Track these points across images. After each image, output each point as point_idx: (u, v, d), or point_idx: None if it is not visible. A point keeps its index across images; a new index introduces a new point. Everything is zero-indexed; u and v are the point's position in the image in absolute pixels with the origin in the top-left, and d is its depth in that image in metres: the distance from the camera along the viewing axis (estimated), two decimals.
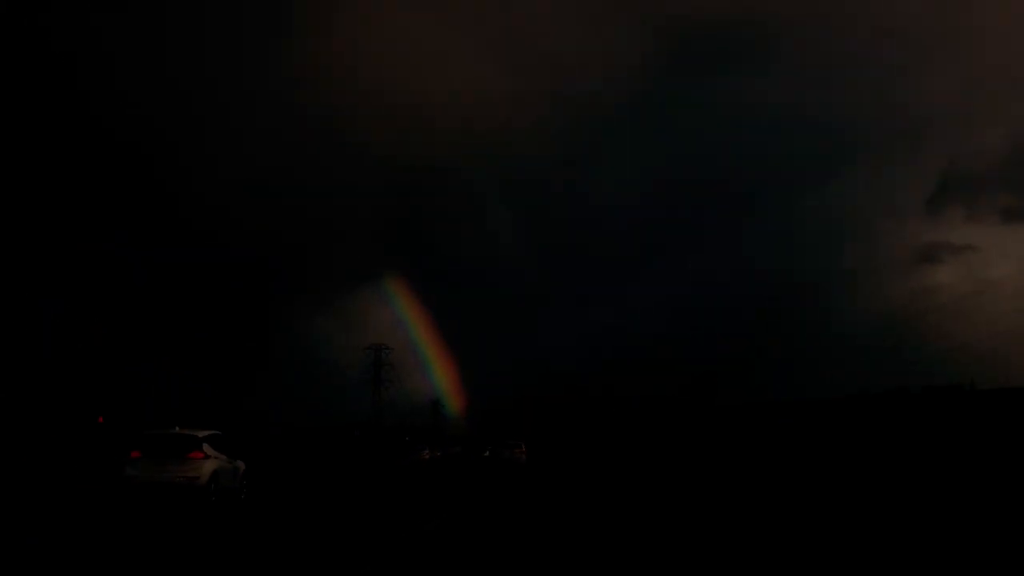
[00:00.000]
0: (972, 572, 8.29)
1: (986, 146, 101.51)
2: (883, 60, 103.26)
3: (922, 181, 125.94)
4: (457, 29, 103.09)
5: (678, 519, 13.45)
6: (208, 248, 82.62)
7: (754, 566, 8.73)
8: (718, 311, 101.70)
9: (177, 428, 15.82)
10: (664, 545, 10.32)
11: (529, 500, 18.09)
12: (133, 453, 14.94)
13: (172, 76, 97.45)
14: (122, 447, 16.29)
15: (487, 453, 60.63)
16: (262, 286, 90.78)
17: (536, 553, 9.76)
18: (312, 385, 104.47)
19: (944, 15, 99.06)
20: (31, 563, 8.59)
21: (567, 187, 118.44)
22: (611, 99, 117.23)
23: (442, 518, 13.56)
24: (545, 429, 78.79)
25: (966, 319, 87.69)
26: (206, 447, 15.34)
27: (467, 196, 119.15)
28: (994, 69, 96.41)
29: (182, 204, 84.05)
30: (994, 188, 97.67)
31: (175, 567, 8.57)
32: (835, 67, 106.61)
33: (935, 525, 12.10)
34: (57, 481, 20.56)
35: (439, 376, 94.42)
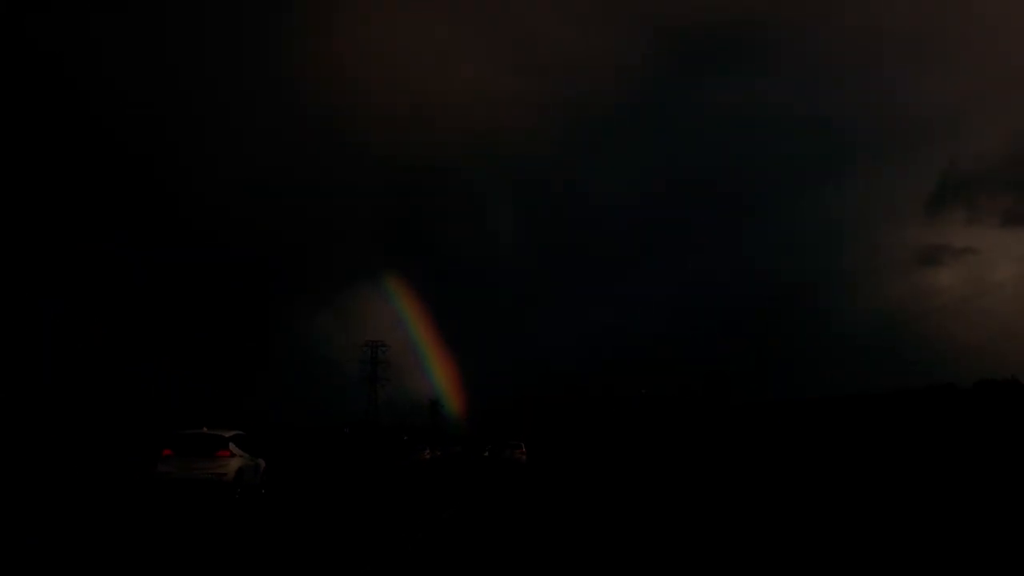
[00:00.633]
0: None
1: (986, 148, 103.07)
2: (884, 62, 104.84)
3: (922, 183, 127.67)
4: (458, 29, 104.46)
5: (681, 522, 13.58)
6: (207, 248, 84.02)
7: (753, 565, 9.01)
8: (717, 311, 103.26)
9: (204, 428, 17.24)
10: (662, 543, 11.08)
11: (531, 494, 19.50)
12: (165, 451, 16.36)
13: (172, 76, 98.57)
14: (153, 445, 17.68)
15: (486, 453, 61.89)
16: (262, 286, 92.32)
17: (541, 533, 11.19)
18: (312, 384, 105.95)
19: (945, 17, 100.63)
20: (79, 553, 9.96)
21: (567, 187, 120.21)
22: (611, 100, 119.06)
23: (455, 508, 15.00)
24: (545, 429, 79.91)
25: (966, 321, 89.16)
26: (232, 446, 16.78)
27: (467, 196, 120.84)
28: (994, 71, 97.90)
29: (182, 204, 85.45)
30: (994, 190, 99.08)
31: (214, 555, 9.96)
32: (835, 69, 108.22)
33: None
34: (93, 478, 21.90)
35: (438, 376, 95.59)
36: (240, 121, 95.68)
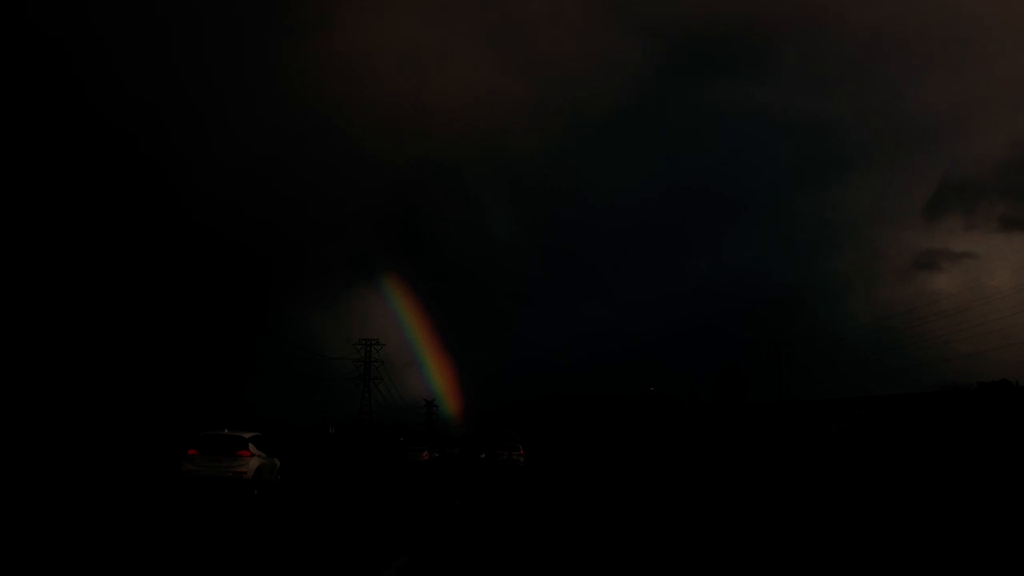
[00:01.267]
0: None
1: (985, 153, 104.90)
2: (883, 67, 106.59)
3: (921, 188, 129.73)
4: (457, 29, 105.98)
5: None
6: (206, 247, 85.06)
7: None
8: (715, 313, 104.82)
9: (226, 430, 18.86)
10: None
11: (532, 490, 21.14)
12: (191, 451, 17.97)
13: (171, 71, 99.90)
14: (166, 444, 19.29)
15: (483, 455, 63.25)
16: (260, 285, 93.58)
17: (541, 518, 12.83)
18: (307, 383, 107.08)
19: (944, 23, 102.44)
20: (119, 542, 11.56)
21: (566, 188, 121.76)
22: (610, 101, 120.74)
23: (463, 500, 16.62)
24: (544, 431, 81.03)
25: (964, 325, 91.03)
26: (251, 446, 18.41)
27: (465, 196, 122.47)
28: (994, 77, 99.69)
29: (177, 201, 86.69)
30: (993, 195, 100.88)
31: (247, 542, 11.56)
32: (835, 73, 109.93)
33: None
34: (124, 475, 23.44)
35: (435, 376, 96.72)
36: (238, 118, 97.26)
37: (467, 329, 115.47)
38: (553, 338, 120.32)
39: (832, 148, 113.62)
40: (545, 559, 9.62)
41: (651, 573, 8.80)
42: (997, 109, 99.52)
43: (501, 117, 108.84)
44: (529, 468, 39.76)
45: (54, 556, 9.01)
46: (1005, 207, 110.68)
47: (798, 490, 22.00)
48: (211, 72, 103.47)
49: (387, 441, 76.73)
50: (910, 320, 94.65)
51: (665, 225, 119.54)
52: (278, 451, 20.53)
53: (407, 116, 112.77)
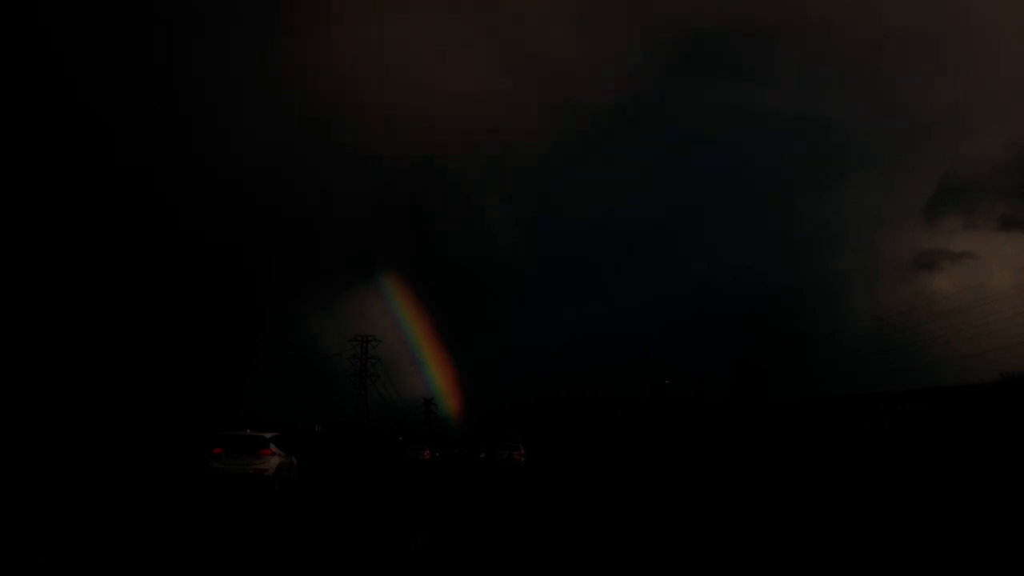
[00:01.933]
0: None
1: (985, 154, 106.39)
2: (883, 66, 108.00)
3: (921, 187, 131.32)
4: (456, 29, 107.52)
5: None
6: (202, 247, 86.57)
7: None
8: (713, 313, 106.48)
9: (248, 431, 20.55)
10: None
11: (533, 489, 22.83)
12: (216, 450, 19.67)
13: (163, 71, 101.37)
14: (204, 444, 20.98)
15: (483, 455, 64.65)
16: (257, 284, 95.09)
17: (545, 513, 14.51)
18: (307, 383, 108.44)
19: (944, 22, 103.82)
20: (157, 534, 13.22)
21: (566, 188, 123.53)
22: (608, 101, 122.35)
23: (470, 497, 18.31)
24: (545, 431, 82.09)
25: (963, 326, 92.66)
26: (272, 446, 20.10)
27: (464, 195, 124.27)
28: (993, 77, 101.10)
29: (173, 200, 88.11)
30: (993, 195, 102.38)
31: (273, 533, 13.23)
32: (834, 73, 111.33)
33: None
34: (153, 473, 25.09)
35: (434, 376, 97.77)
36: (233, 117, 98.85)
37: (467, 329, 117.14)
38: (553, 338, 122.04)
39: (831, 148, 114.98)
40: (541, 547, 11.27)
41: None
42: (997, 109, 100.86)
43: (501, 116, 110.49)
44: (530, 468, 40.57)
45: (107, 544, 10.68)
46: (1005, 207, 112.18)
47: (846, 502, 19.46)
48: (209, 71, 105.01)
49: (386, 440, 77.85)
50: (909, 320, 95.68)
51: (664, 225, 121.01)
52: (295, 450, 22.23)
53: (406, 115, 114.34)
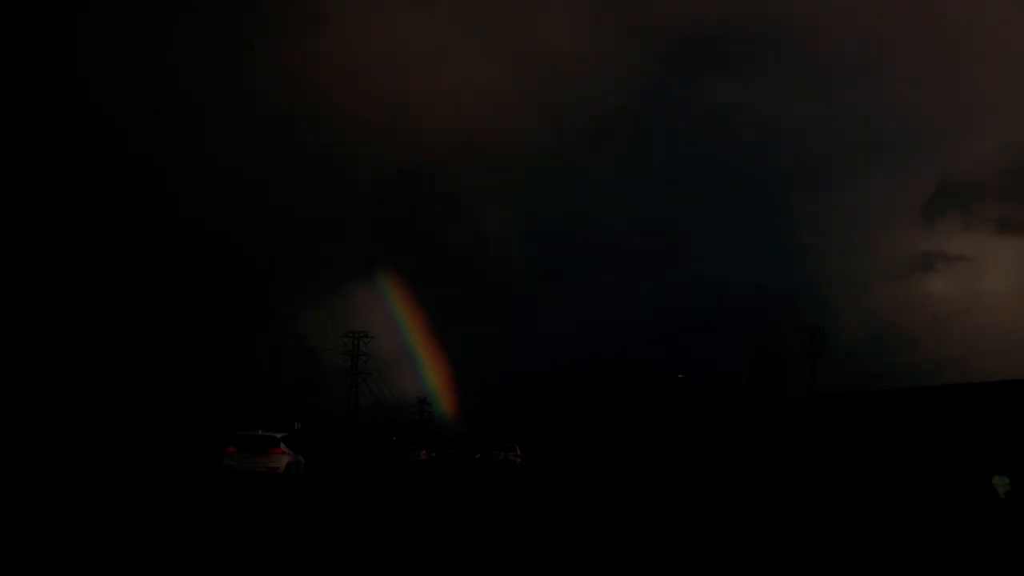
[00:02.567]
0: None
1: (982, 156, 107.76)
2: (881, 68, 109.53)
3: (918, 190, 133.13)
4: (454, 29, 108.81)
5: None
6: (201, 244, 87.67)
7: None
8: (708, 315, 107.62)
9: (260, 431, 21.91)
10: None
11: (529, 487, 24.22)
12: (230, 448, 21.02)
13: (165, 69, 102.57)
14: (218, 443, 22.32)
15: (478, 455, 65.82)
16: (254, 283, 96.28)
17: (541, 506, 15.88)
18: (299, 381, 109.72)
19: (942, 25, 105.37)
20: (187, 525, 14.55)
21: (564, 188, 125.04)
22: (607, 101, 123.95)
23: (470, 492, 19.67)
24: (541, 431, 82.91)
25: (959, 329, 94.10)
26: (282, 445, 21.46)
27: (462, 195, 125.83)
28: (992, 80, 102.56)
29: (170, 199, 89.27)
30: (990, 199, 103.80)
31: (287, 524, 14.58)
32: (832, 75, 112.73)
33: None
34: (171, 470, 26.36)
35: (430, 375, 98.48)
36: (231, 116, 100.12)
37: (464, 328, 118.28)
38: (552, 338, 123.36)
39: (829, 150, 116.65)
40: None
41: None
42: (995, 112, 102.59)
43: (498, 116, 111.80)
44: (526, 469, 41.08)
45: (144, 531, 12.03)
46: (1002, 210, 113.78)
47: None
48: (206, 70, 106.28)
49: (380, 439, 78.61)
50: (905, 322, 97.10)
51: (661, 225, 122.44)
52: (303, 450, 23.60)
53: (404, 115, 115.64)
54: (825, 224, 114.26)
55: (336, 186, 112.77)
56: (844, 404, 37.57)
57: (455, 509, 17.16)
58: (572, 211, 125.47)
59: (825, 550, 12.32)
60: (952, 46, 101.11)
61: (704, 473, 31.69)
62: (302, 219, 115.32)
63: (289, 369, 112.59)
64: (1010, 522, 16.54)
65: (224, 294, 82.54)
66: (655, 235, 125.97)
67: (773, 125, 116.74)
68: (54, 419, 40.56)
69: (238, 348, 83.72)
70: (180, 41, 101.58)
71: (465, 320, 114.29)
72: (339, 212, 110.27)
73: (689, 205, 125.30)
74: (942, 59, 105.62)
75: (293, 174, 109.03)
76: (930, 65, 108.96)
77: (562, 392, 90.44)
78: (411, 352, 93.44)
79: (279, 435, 21.83)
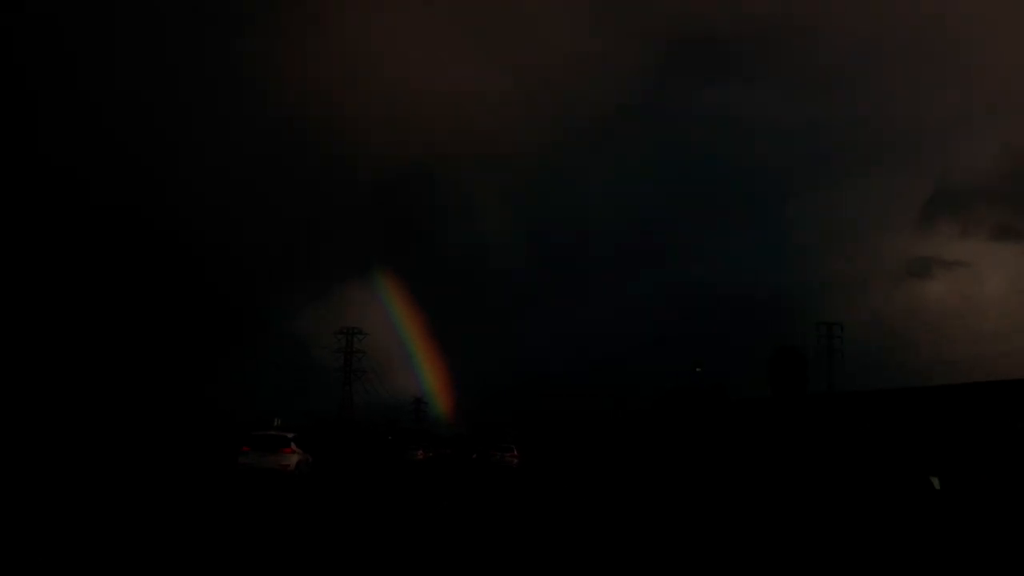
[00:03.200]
0: None
1: (979, 162, 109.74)
2: (877, 73, 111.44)
3: (915, 195, 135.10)
4: (454, 30, 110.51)
5: None
6: (201, 244, 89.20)
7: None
8: (706, 316, 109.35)
9: (272, 431, 23.63)
10: None
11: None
12: (244, 447, 22.76)
13: (164, 68, 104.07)
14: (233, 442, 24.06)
15: (475, 456, 67.22)
16: (252, 283, 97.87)
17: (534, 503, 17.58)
18: (294, 380, 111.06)
19: (940, 30, 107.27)
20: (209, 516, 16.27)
21: (564, 188, 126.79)
22: (607, 102, 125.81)
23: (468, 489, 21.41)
24: (539, 432, 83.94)
25: (956, 334, 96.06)
26: (293, 444, 23.19)
27: (462, 195, 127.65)
28: (989, 85, 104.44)
29: (172, 201, 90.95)
30: (986, 204, 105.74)
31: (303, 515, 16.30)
32: (831, 79, 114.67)
33: None
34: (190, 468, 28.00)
35: (427, 375, 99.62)
36: (230, 115, 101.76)
37: (461, 329, 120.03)
38: (551, 338, 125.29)
39: (827, 154, 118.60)
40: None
41: None
42: (993, 117, 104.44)
43: (498, 116, 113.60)
44: (523, 470, 41.51)
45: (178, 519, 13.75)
46: (999, 215, 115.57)
47: None
48: (205, 70, 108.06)
49: (376, 438, 79.24)
50: (902, 326, 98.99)
51: (659, 228, 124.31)
52: (311, 449, 25.36)
53: (403, 116, 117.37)
54: (820, 228, 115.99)
55: (336, 186, 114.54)
56: (885, 401, 31.59)
57: (457, 503, 18.86)
58: (572, 211, 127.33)
59: None
60: (951, 51, 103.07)
61: (716, 479, 28.57)
62: (301, 219, 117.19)
63: (284, 367, 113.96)
64: None
65: (222, 294, 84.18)
66: (653, 235, 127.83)
67: (770, 128, 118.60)
68: (57, 418, 42.00)
69: (234, 346, 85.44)
70: (180, 41, 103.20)
71: (463, 320, 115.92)
72: (339, 212, 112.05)
73: (687, 206, 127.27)
74: (941, 64, 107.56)
75: (293, 174, 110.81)
76: (929, 70, 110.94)
77: (561, 392, 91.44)
78: (409, 352, 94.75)
79: (290, 435, 23.60)
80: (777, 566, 10.62)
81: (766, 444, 35.37)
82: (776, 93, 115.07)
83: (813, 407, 39.42)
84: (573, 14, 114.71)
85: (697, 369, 58.73)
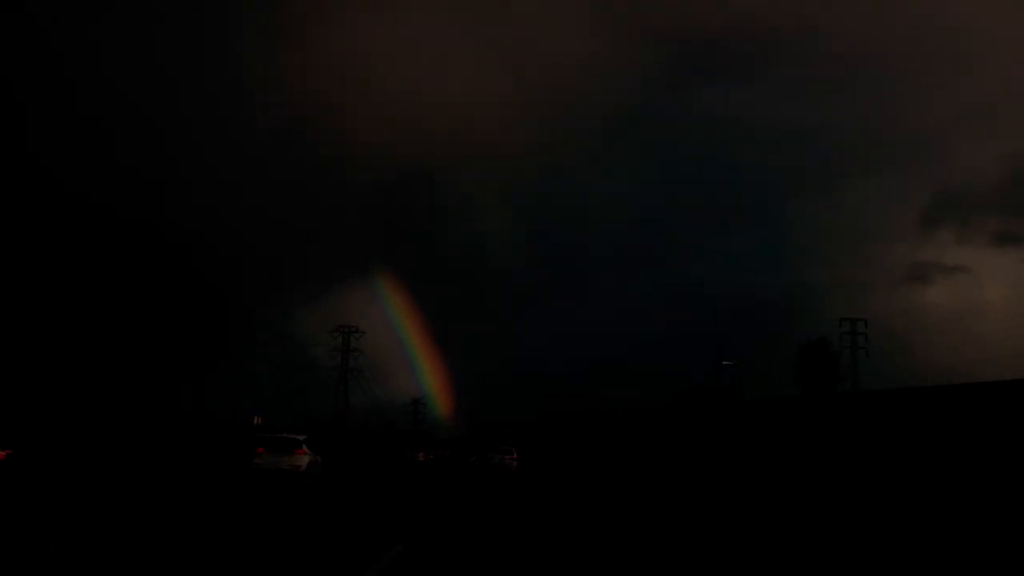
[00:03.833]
0: None
1: (980, 167, 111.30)
2: (877, 79, 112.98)
3: (915, 201, 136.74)
4: (453, 31, 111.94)
5: None
6: (200, 244, 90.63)
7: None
8: (705, 320, 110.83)
9: (285, 434, 25.28)
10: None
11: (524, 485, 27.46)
12: (259, 449, 24.38)
13: (162, 67, 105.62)
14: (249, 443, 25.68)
15: (473, 458, 68.51)
16: (249, 284, 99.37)
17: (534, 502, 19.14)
18: (289, 380, 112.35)
19: (942, 35, 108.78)
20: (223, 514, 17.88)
21: (564, 190, 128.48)
22: (606, 104, 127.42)
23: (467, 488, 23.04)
24: (539, 434, 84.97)
25: (956, 339, 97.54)
26: (304, 446, 24.82)
27: (462, 196, 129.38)
28: (990, 91, 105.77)
29: (172, 200, 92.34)
30: (986, 210, 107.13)
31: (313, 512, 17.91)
32: (830, 83, 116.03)
33: None
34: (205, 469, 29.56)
35: (426, 376, 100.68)
36: (229, 115, 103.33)
37: (461, 329, 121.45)
38: (551, 340, 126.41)
39: (826, 158, 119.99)
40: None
41: None
42: (993, 123, 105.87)
43: (498, 118, 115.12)
44: (523, 474, 41.65)
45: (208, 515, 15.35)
46: (999, 222, 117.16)
47: None
48: (204, 71, 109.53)
49: (374, 440, 79.73)
50: (901, 332, 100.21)
51: (659, 228, 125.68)
52: (321, 450, 27.00)
53: (403, 117, 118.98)
54: (819, 232, 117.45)
55: (335, 186, 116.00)
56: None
57: (460, 500, 20.49)
58: (572, 212, 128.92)
59: None
60: (953, 54, 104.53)
61: (740, 489, 26.55)
62: (301, 219, 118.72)
63: (284, 368, 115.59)
64: None
65: (220, 295, 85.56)
66: (652, 236, 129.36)
67: (770, 129, 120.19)
68: (57, 420, 43.30)
69: (234, 347, 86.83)
70: (179, 41, 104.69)
71: (463, 320, 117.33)
72: (338, 212, 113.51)
73: (687, 207, 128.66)
74: (941, 69, 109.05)
75: (292, 174, 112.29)
76: (928, 75, 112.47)
77: (561, 393, 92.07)
78: (408, 353, 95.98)
79: (301, 437, 25.25)
80: None
81: (804, 451, 29.12)
82: (776, 97, 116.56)
83: (852, 406, 31.12)
84: (573, 14, 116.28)
85: (725, 362, 56.17)
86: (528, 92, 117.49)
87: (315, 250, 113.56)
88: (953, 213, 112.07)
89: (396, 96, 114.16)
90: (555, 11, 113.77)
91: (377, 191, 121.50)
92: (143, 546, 10.64)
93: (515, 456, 45.68)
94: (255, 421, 63.23)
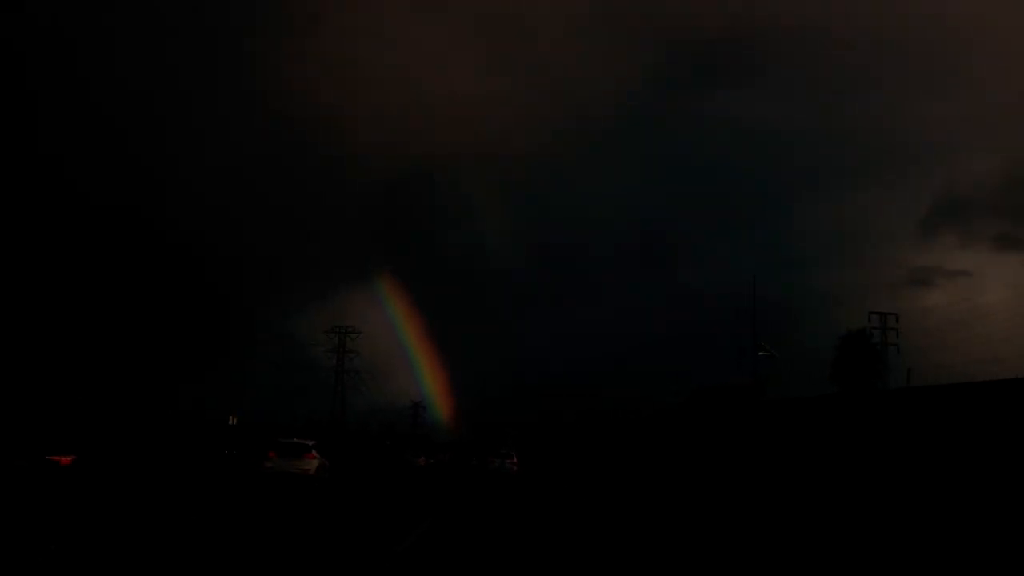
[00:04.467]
0: None
1: (981, 172, 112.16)
2: (879, 82, 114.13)
3: (916, 205, 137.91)
4: (453, 31, 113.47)
5: None
6: (200, 244, 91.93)
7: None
8: (705, 323, 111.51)
9: (295, 439, 26.68)
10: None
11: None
12: (270, 453, 25.77)
13: (164, 68, 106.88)
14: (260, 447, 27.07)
15: (474, 462, 69.37)
16: (248, 284, 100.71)
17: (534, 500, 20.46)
18: (287, 381, 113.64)
19: (943, 41, 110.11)
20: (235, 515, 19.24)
21: (565, 190, 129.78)
22: (606, 105, 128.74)
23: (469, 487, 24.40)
24: (540, 436, 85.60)
25: (957, 343, 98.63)
26: (314, 451, 26.22)
27: (462, 197, 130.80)
28: (992, 95, 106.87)
29: (171, 200, 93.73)
30: (988, 214, 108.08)
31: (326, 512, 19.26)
32: (833, 86, 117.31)
33: None
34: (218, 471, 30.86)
35: (425, 379, 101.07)
36: (230, 115, 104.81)
37: (461, 330, 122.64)
38: (552, 340, 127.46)
39: (828, 161, 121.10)
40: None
41: None
42: (995, 127, 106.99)
43: (499, 118, 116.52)
44: (524, 478, 41.71)
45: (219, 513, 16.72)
46: (1001, 226, 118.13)
47: None
48: (205, 70, 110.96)
49: (373, 444, 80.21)
50: (902, 336, 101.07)
51: (658, 229, 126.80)
52: (329, 454, 28.42)
53: (403, 119, 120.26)
54: (821, 235, 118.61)
55: (335, 187, 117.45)
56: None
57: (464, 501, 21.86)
58: (572, 213, 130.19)
59: None
60: (955, 59, 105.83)
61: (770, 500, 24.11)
62: (301, 219, 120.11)
63: (284, 368, 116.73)
64: None
65: (220, 295, 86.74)
66: (652, 237, 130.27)
67: (770, 136, 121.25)
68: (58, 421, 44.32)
69: (234, 348, 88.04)
70: (179, 41, 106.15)
71: (463, 321, 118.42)
72: (338, 212, 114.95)
73: (687, 208, 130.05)
74: (942, 73, 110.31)
75: (292, 174, 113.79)
76: (929, 79, 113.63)
77: (561, 394, 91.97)
78: (407, 355, 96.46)
79: (311, 442, 26.65)
80: None
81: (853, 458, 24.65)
82: (778, 100, 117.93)
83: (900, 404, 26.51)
84: (573, 15, 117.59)
85: (761, 353, 49.66)
86: (528, 92, 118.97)
87: (315, 250, 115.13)
88: (954, 218, 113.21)
89: (396, 96, 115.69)
90: (555, 11, 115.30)
91: (377, 191, 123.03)
92: (206, 544, 12.02)
93: (515, 460, 46.09)
94: (230, 422, 63.07)
